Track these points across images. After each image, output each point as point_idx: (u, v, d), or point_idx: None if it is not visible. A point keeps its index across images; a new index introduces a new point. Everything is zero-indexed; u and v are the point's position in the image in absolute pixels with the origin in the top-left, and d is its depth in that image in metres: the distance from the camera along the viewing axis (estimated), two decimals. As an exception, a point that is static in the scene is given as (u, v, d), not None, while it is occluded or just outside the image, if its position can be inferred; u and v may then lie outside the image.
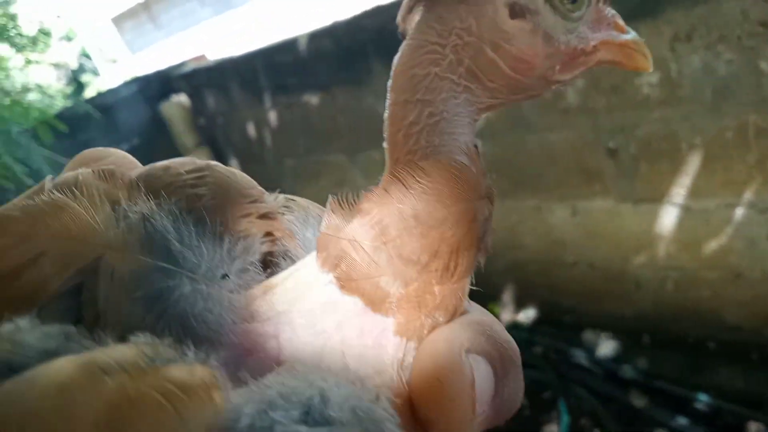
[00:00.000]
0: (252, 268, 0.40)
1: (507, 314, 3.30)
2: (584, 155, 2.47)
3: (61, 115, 2.97)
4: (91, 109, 3.01)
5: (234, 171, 0.45)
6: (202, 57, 3.95)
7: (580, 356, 2.99)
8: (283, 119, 3.27)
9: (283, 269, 0.41)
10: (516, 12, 0.45)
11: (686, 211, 2.36)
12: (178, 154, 3.66)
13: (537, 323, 3.17)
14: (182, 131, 3.43)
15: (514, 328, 3.22)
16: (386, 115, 0.42)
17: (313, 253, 0.39)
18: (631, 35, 0.51)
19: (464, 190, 0.39)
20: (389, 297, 0.37)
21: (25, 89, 3.87)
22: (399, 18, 0.45)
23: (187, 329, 0.35)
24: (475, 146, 0.42)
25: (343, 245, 0.38)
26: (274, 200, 0.46)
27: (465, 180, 0.40)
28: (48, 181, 0.39)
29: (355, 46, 2.69)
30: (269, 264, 0.42)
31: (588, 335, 3.02)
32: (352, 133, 3.06)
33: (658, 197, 2.42)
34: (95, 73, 4.53)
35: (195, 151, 3.54)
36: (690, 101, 2.10)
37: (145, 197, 0.39)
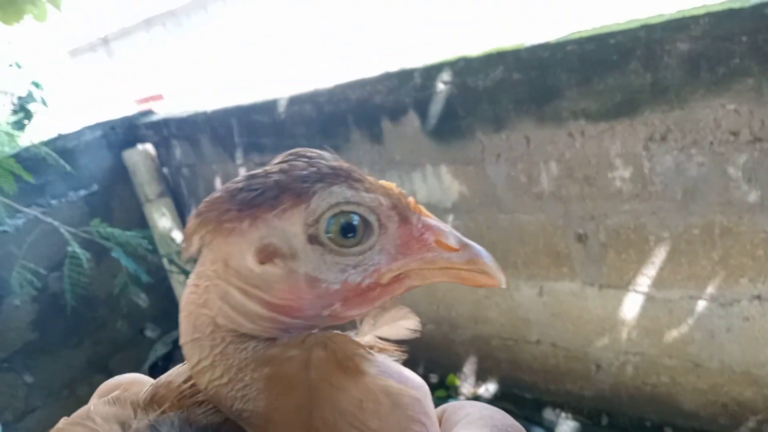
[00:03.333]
0: None
1: (467, 387, 3.25)
2: (554, 239, 2.52)
3: (18, 156, 2.80)
4: (47, 152, 2.84)
5: None
6: (159, 96, 3.85)
7: (539, 435, 2.97)
8: (254, 176, 3.18)
9: None
10: (265, 257, 0.41)
11: (650, 299, 2.43)
12: (139, 203, 3.50)
13: (498, 398, 3.14)
14: (145, 180, 3.29)
15: (474, 400, 3.17)
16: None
17: None
18: (460, 254, 0.45)
19: None
20: None
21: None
22: (183, 246, 0.47)
23: None
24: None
25: None
26: None
27: None
28: (62, 421, 0.46)
29: (337, 113, 2.69)
30: None
31: (548, 413, 3.00)
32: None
33: (623, 284, 2.48)
34: (44, 103, 4.40)
35: (156, 201, 3.40)
36: (660, 197, 2.19)
37: (151, 411, 0.45)
